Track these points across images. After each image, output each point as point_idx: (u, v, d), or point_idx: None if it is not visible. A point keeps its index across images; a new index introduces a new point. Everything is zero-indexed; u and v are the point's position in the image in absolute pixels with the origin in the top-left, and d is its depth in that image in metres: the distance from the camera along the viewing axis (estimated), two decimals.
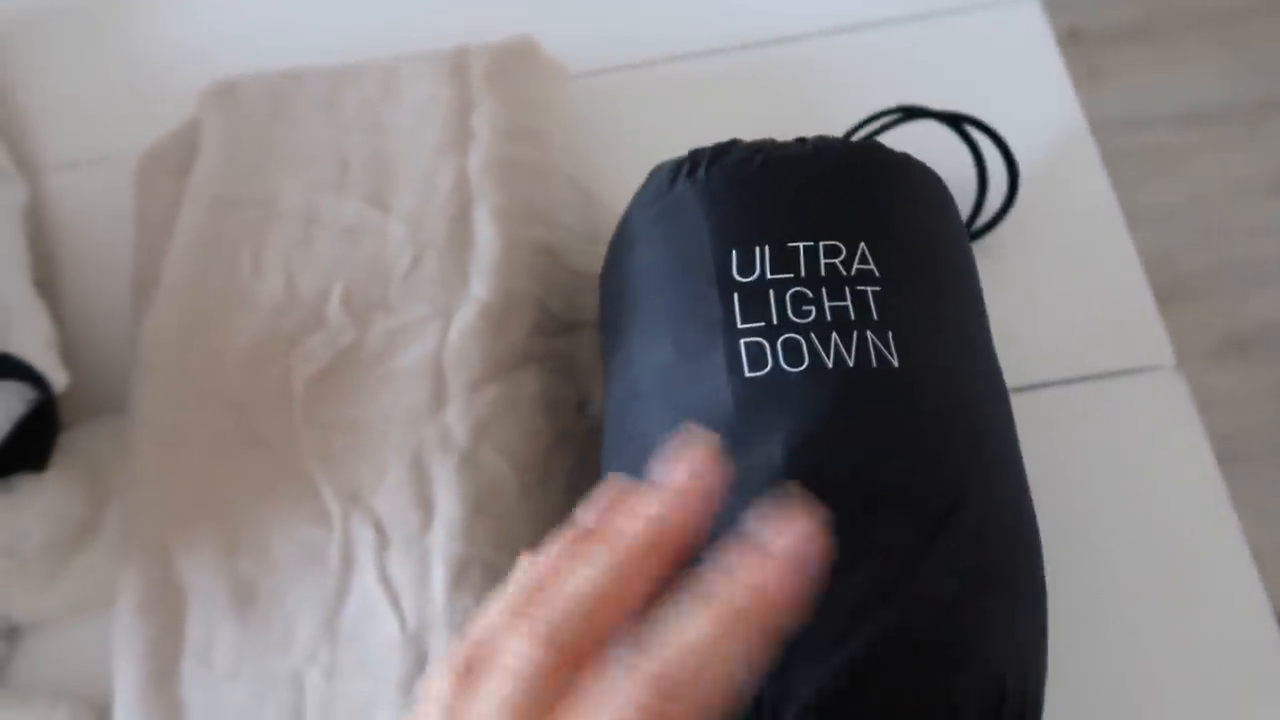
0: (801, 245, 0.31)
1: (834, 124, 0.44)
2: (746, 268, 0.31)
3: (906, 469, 0.29)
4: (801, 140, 0.35)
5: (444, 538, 0.35)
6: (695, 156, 0.35)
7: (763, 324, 0.30)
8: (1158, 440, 0.39)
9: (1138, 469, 0.39)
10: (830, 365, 0.29)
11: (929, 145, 0.38)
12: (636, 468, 0.31)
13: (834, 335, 0.30)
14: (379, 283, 0.39)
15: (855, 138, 0.44)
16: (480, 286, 0.38)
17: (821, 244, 0.31)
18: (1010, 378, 0.38)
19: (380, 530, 0.36)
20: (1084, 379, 0.41)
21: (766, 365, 0.30)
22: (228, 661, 0.36)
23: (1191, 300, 1.10)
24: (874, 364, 0.29)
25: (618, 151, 0.43)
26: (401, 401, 0.37)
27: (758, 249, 0.31)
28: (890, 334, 0.30)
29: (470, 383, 0.37)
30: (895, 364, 0.30)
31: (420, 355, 0.38)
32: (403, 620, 0.35)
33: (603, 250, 0.38)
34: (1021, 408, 0.35)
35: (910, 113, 0.44)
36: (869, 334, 0.30)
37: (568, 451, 0.38)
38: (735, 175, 0.33)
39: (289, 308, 0.39)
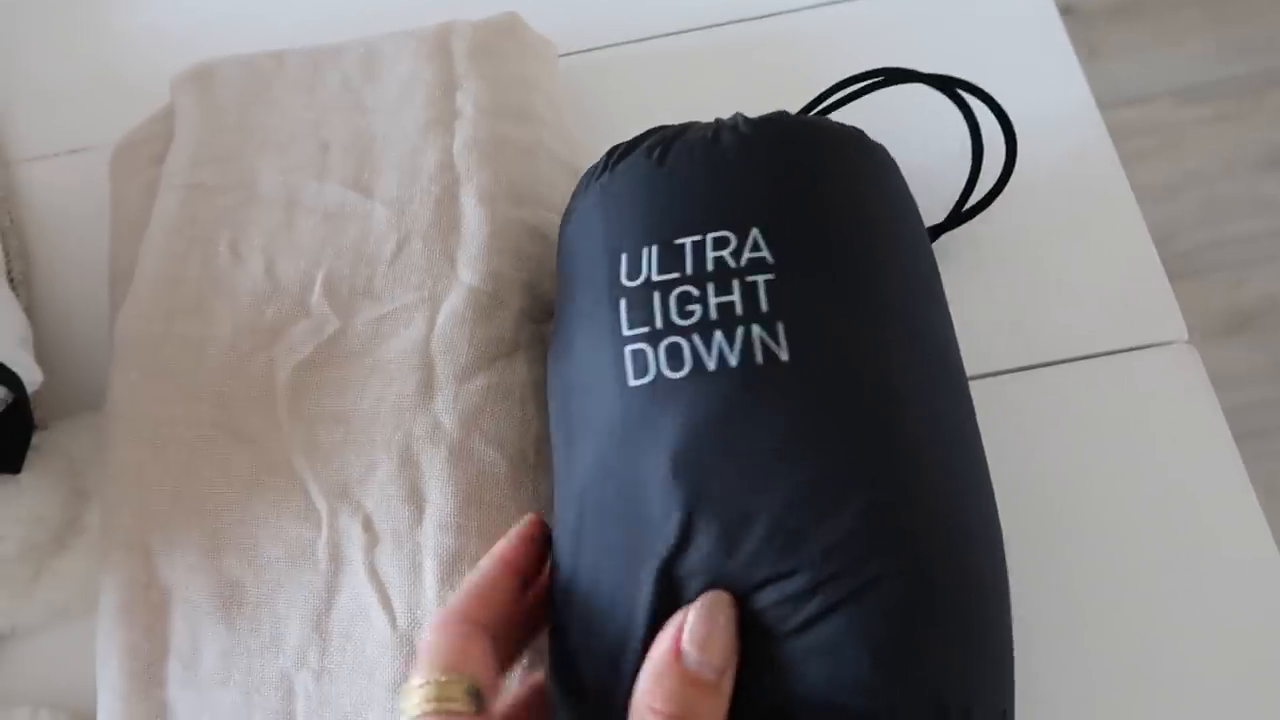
0: (689, 241, 0.29)
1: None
2: (634, 271, 0.30)
3: (802, 475, 0.26)
4: (716, 120, 0.33)
5: (435, 532, 0.34)
6: (610, 155, 0.33)
7: (647, 329, 0.28)
8: (1172, 416, 0.38)
9: (1153, 446, 0.38)
10: (712, 367, 0.27)
11: (922, 115, 0.36)
12: (557, 472, 0.31)
13: (717, 334, 0.28)
14: (363, 269, 0.38)
15: (832, 101, 0.41)
16: (468, 272, 0.37)
17: (709, 236, 0.29)
18: (1018, 356, 0.37)
19: (369, 527, 0.34)
20: (1095, 356, 0.39)
21: (649, 373, 0.28)
22: (215, 665, 0.35)
23: (1193, 277, 1.09)
24: (759, 360, 0.27)
25: (608, 130, 0.42)
26: (389, 392, 0.36)
27: (645, 250, 0.30)
28: (781, 325, 0.28)
29: (459, 372, 0.35)
30: (784, 358, 0.27)
31: (407, 344, 0.36)
32: (393, 619, 0.33)
33: None
34: (1031, 387, 0.34)
35: (894, 75, 0.40)
36: (755, 328, 0.28)
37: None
38: (632, 174, 0.32)
39: (270, 296, 0.38)
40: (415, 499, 0.34)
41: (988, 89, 0.41)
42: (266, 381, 0.37)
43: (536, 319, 0.38)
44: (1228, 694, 0.34)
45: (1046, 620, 0.30)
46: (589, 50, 0.49)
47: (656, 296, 0.29)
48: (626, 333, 0.29)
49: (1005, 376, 0.39)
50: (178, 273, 0.38)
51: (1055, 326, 0.40)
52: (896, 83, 0.40)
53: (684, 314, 0.28)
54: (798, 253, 0.29)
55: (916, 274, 0.32)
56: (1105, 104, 0.43)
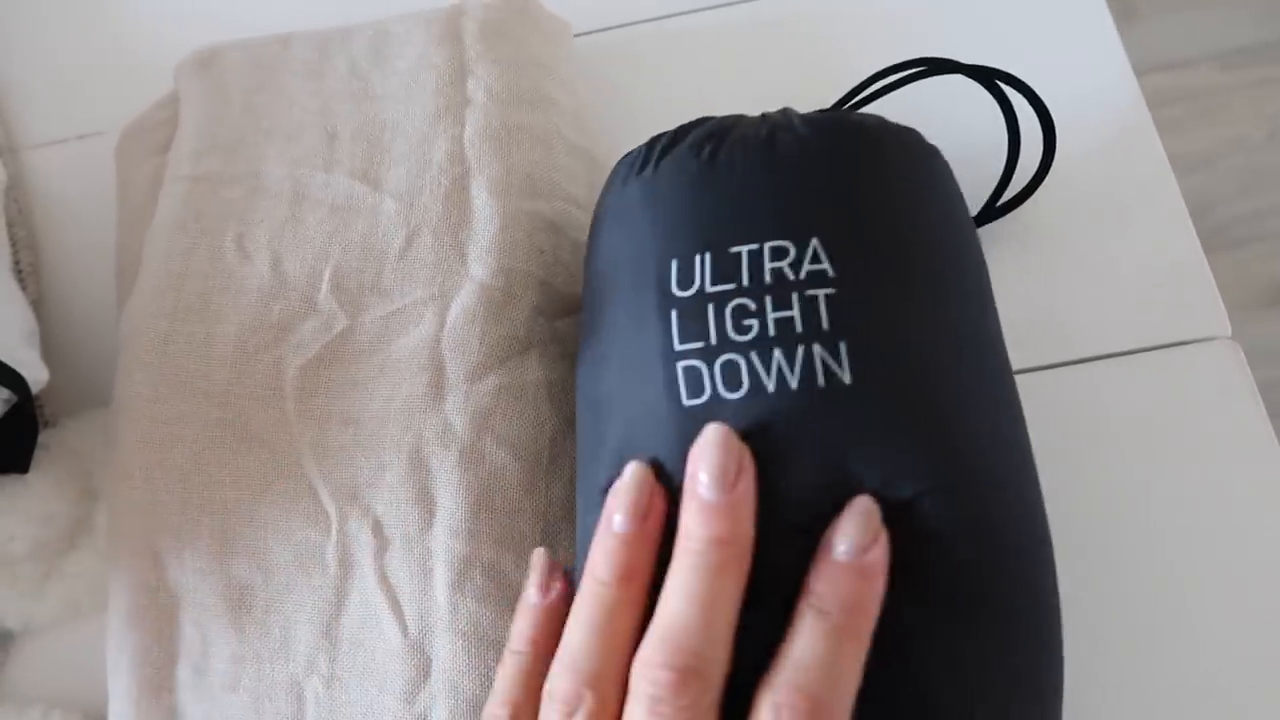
0: (745, 249, 0.28)
1: (859, 79, 0.41)
2: (686, 280, 0.28)
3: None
4: (764, 116, 0.31)
5: (446, 537, 0.33)
6: (651, 146, 0.31)
7: (701, 345, 0.27)
8: (1214, 415, 0.37)
9: (1193, 445, 0.36)
10: (771, 388, 0.26)
11: (956, 99, 0.35)
12: (602, 479, 0.29)
13: (776, 352, 0.26)
14: (371, 264, 0.36)
15: (871, 91, 0.40)
16: (479, 267, 0.35)
17: (767, 246, 0.27)
18: (1055, 353, 0.35)
19: (379, 532, 0.34)
20: (1134, 351, 0.38)
21: (704, 393, 0.26)
22: (224, 670, 0.34)
23: (1231, 249, 1.06)
24: (820, 383, 0.26)
25: (628, 115, 0.40)
26: (398, 393, 0.35)
27: (698, 258, 0.28)
28: (843, 344, 0.26)
29: (470, 371, 0.34)
30: (846, 380, 0.26)
31: (417, 342, 0.35)
32: (404, 626, 0.33)
33: None
34: (1068, 383, 0.32)
35: (935, 66, 0.39)
36: (816, 347, 0.26)
37: (576, 439, 0.36)
38: (680, 172, 0.30)
39: (277, 292, 0.37)
40: (425, 502, 0.34)
41: (1028, 63, 0.39)
42: (274, 380, 0.36)
43: (551, 315, 0.37)
44: (1272, 697, 0.33)
45: (1082, 621, 0.29)
46: (606, 29, 0.47)
47: (711, 309, 0.27)
48: (679, 347, 0.27)
49: (1041, 373, 0.37)
50: (183, 269, 0.37)
51: (1092, 321, 0.38)
52: (938, 73, 0.39)
53: (740, 329, 0.27)
54: (859, 265, 0.27)
55: (974, 283, 0.30)
56: (1141, 69, 0.41)
